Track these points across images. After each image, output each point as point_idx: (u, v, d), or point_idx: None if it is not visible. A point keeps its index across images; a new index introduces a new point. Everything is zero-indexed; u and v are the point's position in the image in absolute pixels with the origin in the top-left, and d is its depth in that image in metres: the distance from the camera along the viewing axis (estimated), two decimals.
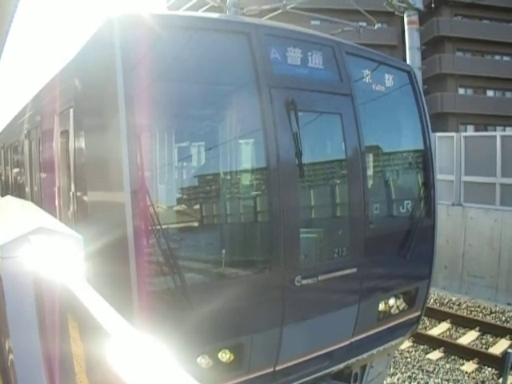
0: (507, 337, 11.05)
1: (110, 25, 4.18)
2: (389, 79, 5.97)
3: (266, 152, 4.66)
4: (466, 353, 10.35)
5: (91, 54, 4.83)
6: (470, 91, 41.79)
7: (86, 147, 4.79)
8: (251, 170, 5.23)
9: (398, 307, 6.07)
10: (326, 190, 5.74)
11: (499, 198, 14.45)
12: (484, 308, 12.98)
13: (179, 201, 4.79)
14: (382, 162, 6.35)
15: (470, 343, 11.00)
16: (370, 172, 5.85)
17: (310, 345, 5.11)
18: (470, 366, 9.86)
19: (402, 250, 5.81)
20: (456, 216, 14.92)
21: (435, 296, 13.74)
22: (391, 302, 5.97)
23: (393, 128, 6.47)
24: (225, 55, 4.74)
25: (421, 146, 6.32)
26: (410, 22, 13.67)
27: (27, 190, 8.67)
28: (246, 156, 5.27)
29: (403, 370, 9.66)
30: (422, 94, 6.40)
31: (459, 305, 13.36)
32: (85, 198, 4.83)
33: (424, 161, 6.32)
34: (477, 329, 11.61)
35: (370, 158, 5.94)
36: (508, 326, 11.79)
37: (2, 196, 11.55)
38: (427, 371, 9.64)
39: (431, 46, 37.77)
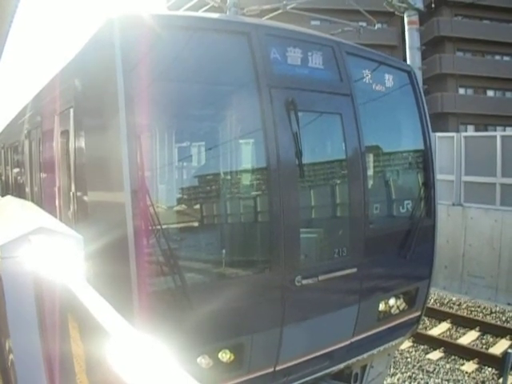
0: (507, 337, 11.05)
1: (110, 25, 4.18)
2: (389, 79, 5.97)
3: (266, 152, 4.66)
4: (467, 353, 10.35)
5: (91, 54, 4.83)
6: (470, 91, 41.79)
7: (86, 147, 4.79)
8: (251, 170, 5.23)
9: (398, 307, 6.07)
10: (326, 190, 5.74)
11: (499, 198, 14.45)
12: (484, 308, 12.98)
13: (179, 201, 4.79)
14: (382, 162, 6.35)
15: (470, 343, 11.00)
16: (370, 172, 5.85)
17: (310, 345, 5.11)
18: (470, 366, 9.86)
19: (402, 250, 5.81)
20: (456, 216, 14.92)
21: (435, 296, 13.74)
22: (391, 302, 5.97)
23: (393, 128, 6.47)
24: (225, 55, 4.74)
25: (421, 146, 6.32)
26: (410, 22, 13.66)
27: (27, 190, 8.67)
28: (246, 156, 5.27)
29: (403, 370, 9.66)
30: (422, 94, 6.40)
31: (459, 305, 13.36)
32: (85, 197, 4.83)
33: (424, 161, 6.32)
34: (477, 329, 11.61)
35: (370, 158, 5.94)
36: (508, 326, 11.79)
37: (2, 196, 11.55)
38: (427, 371, 9.64)
39: (431, 46, 37.76)
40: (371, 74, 5.76)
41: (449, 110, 38.64)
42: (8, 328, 2.62)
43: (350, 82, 5.39)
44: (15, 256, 2.59)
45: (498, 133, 18.75)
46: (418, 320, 6.47)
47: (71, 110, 5.24)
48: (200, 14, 6.19)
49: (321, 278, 4.88)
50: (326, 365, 5.33)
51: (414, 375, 9.46)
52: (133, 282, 3.87)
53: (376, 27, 15.64)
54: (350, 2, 13.10)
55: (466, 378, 9.38)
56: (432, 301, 13.26)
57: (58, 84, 6.29)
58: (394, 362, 9.76)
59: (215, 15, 5.46)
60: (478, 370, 9.74)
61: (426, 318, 11.82)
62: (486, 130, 35.59)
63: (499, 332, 11.35)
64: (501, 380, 8.77)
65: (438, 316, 12.39)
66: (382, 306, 5.84)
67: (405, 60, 12.76)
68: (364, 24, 15.51)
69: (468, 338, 11.31)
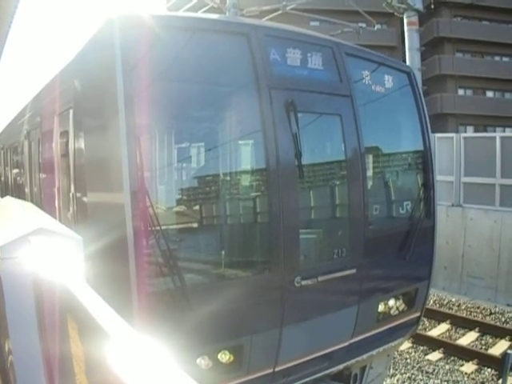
0: (507, 338, 11.05)
1: (110, 25, 4.18)
2: (388, 80, 5.97)
3: (265, 153, 4.66)
4: (466, 354, 10.35)
5: (91, 54, 4.83)
6: (469, 92, 41.82)
7: (86, 148, 4.79)
8: (251, 171, 5.23)
9: (397, 308, 6.07)
10: (326, 191, 5.74)
11: (499, 198, 14.46)
12: (484, 309, 12.98)
13: (179, 202, 4.79)
14: (381, 162, 6.36)
15: (469, 344, 11.00)
16: (369, 173, 5.86)
17: (310, 346, 5.11)
18: (469, 367, 9.86)
19: (401, 250, 5.81)
20: (456, 217, 14.93)
21: (435, 297, 13.74)
22: (391, 302, 5.97)
23: (392, 129, 6.47)
24: (224, 56, 4.74)
25: (420, 147, 6.32)
26: (409, 23, 13.68)
27: (27, 190, 8.67)
28: (246, 157, 5.27)
29: (403, 371, 9.65)
30: (422, 95, 6.40)
31: (459, 306, 13.36)
32: (84, 198, 4.83)
33: (424, 162, 6.32)
34: (476, 330, 11.61)
35: (370, 159, 5.94)
36: (508, 326, 11.79)
37: (2, 197, 11.54)
38: (427, 372, 9.64)
39: (431, 46, 37.73)
40: (371, 74, 5.77)
41: (448, 111, 38.67)
42: (8, 329, 2.62)
43: (349, 82, 5.39)
44: (15, 257, 2.59)
45: (498, 134, 18.81)
46: (417, 321, 6.47)
47: (71, 111, 5.24)
48: (200, 14, 6.19)
49: (320, 278, 4.88)
50: (326, 366, 5.33)
51: (413, 376, 9.46)
52: (132, 283, 3.87)
53: (375, 28, 15.67)
54: (350, 3, 13.15)
55: (466, 378, 9.38)
56: (431, 302, 13.26)
57: (58, 84, 6.29)
58: (394, 363, 9.76)
59: (215, 16, 5.46)
60: (478, 370, 9.74)
61: (425, 319, 11.82)
62: (486, 131, 35.58)
63: (499, 333, 11.35)
64: (500, 381, 8.77)
65: (438, 317, 12.39)
66: (381, 307, 5.84)
67: (404, 61, 12.78)
68: (363, 25, 15.51)
69: (467, 338, 11.31)
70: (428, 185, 6.23)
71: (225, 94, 4.84)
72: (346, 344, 5.44)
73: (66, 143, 5.42)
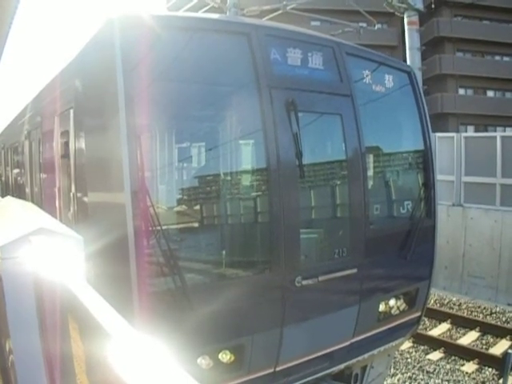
0: (507, 337, 11.04)
1: (110, 25, 4.18)
2: (389, 80, 5.97)
3: (266, 153, 4.66)
4: (467, 353, 10.34)
5: (91, 54, 4.83)
6: (470, 92, 41.81)
7: (87, 148, 4.79)
8: (251, 171, 5.23)
9: (398, 308, 6.07)
10: (327, 191, 5.74)
11: (499, 198, 14.45)
12: (484, 308, 12.98)
13: (179, 201, 4.79)
14: (382, 162, 6.36)
15: (470, 344, 10.99)
16: (370, 173, 5.85)
17: (311, 345, 5.11)
18: (470, 367, 9.85)
19: (402, 250, 5.81)
20: (456, 216, 14.92)
21: (435, 296, 13.74)
22: (391, 302, 5.97)
23: (393, 129, 6.47)
24: (225, 56, 4.74)
25: (421, 147, 6.32)
26: (410, 23, 13.68)
27: (27, 190, 8.67)
28: (247, 157, 5.27)
29: (404, 371, 9.65)
30: (422, 95, 6.40)
31: (459, 305, 13.36)
32: (85, 198, 4.83)
33: (424, 161, 6.32)
34: (477, 329, 11.60)
35: (371, 158, 5.94)
36: (508, 326, 11.78)
37: (3, 197, 11.55)
38: (428, 372, 9.63)
39: (431, 46, 37.76)
40: (371, 74, 5.76)
41: (449, 111, 38.65)
42: (8, 329, 2.62)
43: (350, 82, 5.39)
44: (15, 257, 2.59)
45: (498, 133, 18.76)
46: (418, 320, 6.47)
47: (71, 111, 5.24)
48: (200, 14, 6.19)
49: (321, 278, 4.88)
50: (327, 365, 5.33)
51: (414, 376, 9.45)
52: (133, 283, 3.87)
53: (376, 28, 15.70)
54: (350, 3, 13.14)
55: (467, 378, 9.38)
56: (432, 301, 13.25)
57: (58, 84, 6.29)
58: (395, 363, 9.76)
59: (215, 16, 5.46)
60: (479, 370, 9.73)
61: (426, 319, 11.81)
62: (486, 131, 35.60)
63: (499, 332, 11.34)
64: (501, 380, 8.77)
65: (438, 316, 12.38)
66: (382, 307, 5.84)
67: (405, 60, 12.76)
68: (364, 24, 15.54)
69: (468, 338, 11.31)
70: (428, 184, 6.23)
71: (225, 94, 4.84)
72: (347, 344, 5.44)
73: (67, 143, 5.42)
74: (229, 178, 5.12)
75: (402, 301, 6.10)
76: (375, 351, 5.84)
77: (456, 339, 11.29)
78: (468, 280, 14.49)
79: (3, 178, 13.41)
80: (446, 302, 13.61)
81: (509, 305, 13.16)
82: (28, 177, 8.63)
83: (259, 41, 4.73)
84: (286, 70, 4.94)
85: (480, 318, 12.45)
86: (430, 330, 11.80)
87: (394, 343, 6.17)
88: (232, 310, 4.39)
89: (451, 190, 15.35)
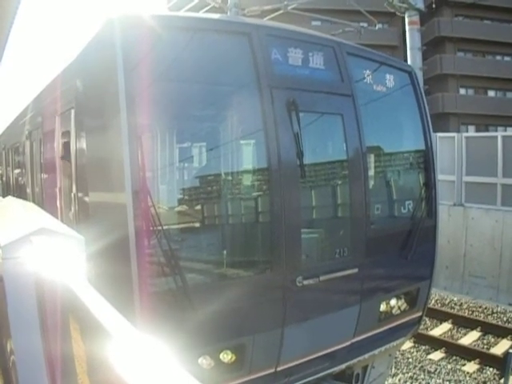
0: (509, 337, 11.04)
1: (110, 25, 4.18)
2: (390, 80, 5.97)
3: (267, 153, 4.66)
4: (468, 353, 10.34)
5: (92, 54, 4.83)
6: (471, 91, 41.78)
7: (88, 148, 4.79)
8: (252, 171, 5.24)
9: (399, 308, 6.06)
10: (328, 191, 5.74)
11: (500, 198, 14.44)
12: (485, 308, 12.97)
13: (181, 201, 4.79)
14: (383, 162, 6.35)
15: (471, 344, 10.99)
16: (371, 172, 5.85)
17: (312, 345, 5.11)
18: (471, 367, 9.85)
19: (403, 250, 5.80)
20: (457, 216, 14.91)
21: (436, 296, 13.73)
22: (392, 302, 5.97)
23: (394, 128, 6.46)
24: (226, 56, 4.74)
25: (422, 147, 6.32)
26: (410, 23, 13.66)
27: (28, 190, 8.68)
28: (248, 157, 5.27)
29: (405, 371, 9.65)
30: (423, 95, 6.39)
31: (460, 305, 13.35)
32: (86, 198, 4.83)
33: (425, 161, 6.31)
34: (478, 329, 11.59)
35: (372, 158, 5.94)
36: (509, 326, 11.78)
37: (4, 197, 11.55)
38: (429, 372, 9.63)
39: (432, 46, 37.79)
40: (372, 74, 5.76)
41: (450, 111, 38.63)
42: (10, 329, 2.62)
43: (350, 82, 5.39)
44: (17, 257, 2.59)
45: (499, 133, 18.71)
46: (419, 320, 6.47)
47: (72, 111, 5.24)
48: (201, 14, 6.19)
49: (322, 278, 4.87)
50: (328, 365, 5.33)
51: (415, 375, 9.45)
52: (134, 283, 3.87)
53: (377, 27, 15.67)
54: (351, 3, 13.13)
55: (468, 378, 9.37)
56: (433, 301, 13.25)
57: (59, 85, 6.29)
58: (396, 363, 9.76)
59: (216, 16, 5.46)
60: (480, 370, 9.73)
61: (427, 319, 11.81)
62: (487, 131, 35.57)
63: (500, 332, 11.33)
64: (502, 380, 8.76)
65: (439, 316, 12.38)
66: (383, 307, 5.83)
67: (405, 60, 12.75)
68: (365, 24, 15.54)
69: (469, 338, 11.30)
70: (430, 184, 6.22)
71: (226, 94, 4.84)
72: (348, 343, 5.44)
73: (68, 143, 5.42)
74: (230, 177, 5.12)
75: (402, 301, 6.10)
76: (376, 351, 5.84)
77: (457, 339, 11.28)
78: (469, 280, 14.48)
79: (4, 178, 13.42)
80: (447, 301, 13.60)
81: (510, 305, 13.15)
82: (29, 177, 8.64)
83: (260, 41, 4.73)
84: (286, 70, 4.94)
85: (481, 317, 12.44)
86: (431, 329, 11.80)
87: (395, 343, 6.17)
88: (233, 310, 4.39)
89: (452, 190, 15.34)
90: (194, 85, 4.57)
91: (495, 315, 12.56)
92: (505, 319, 12.29)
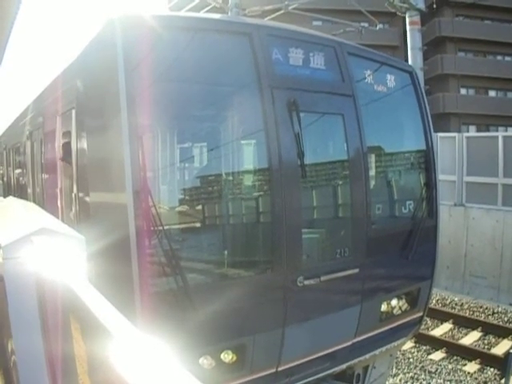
0: (510, 337, 11.03)
1: (111, 25, 4.18)
2: (391, 80, 5.97)
3: (268, 153, 4.66)
4: (469, 353, 10.33)
5: (93, 54, 4.83)
6: (471, 91, 41.78)
7: (88, 148, 4.79)
8: (253, 171, 5.24)
9: (400, 308, 6.06)
10: (329, 191, 5.74)
11: (501, 198, 14.42)
12: (486, 308, 12.96)
13: (181, 201, 4.79)
14: (384, 162, 6.35)
15: (472, 344, 10.98)
16: (372, 172, 5.85)
17: (313, 345, 5.11)
18: (472, 367, 9.84)
19: (404, 250, 5.80)
20: (458, 216, 14.90)
21: (437, 296, 13.72)
22: (393, 302, 5.96)
23: (395, 128, 6.46)
24: (227, 56, 4.74)
25: (423, 147, 6.31)
26: (411, 23, 13.66)
27: (29, 190, 8.68)
28: (248, 157, 5.28)
29: (405, 371, 9.65)
30: (424, 95, 6.39)
31: (461, 305, 13.34)
32: (87, 198, 4.83)
33: (426, 161, 6.31)
34: (479, 329, 11.58)
35: (372, 158, 5.94)
36: (510, 326, 11.76)
37: (5, 197, 11.56)
38: (430, 372, 9.62)
39: (433, 46, 37.78)
40: (373, 74, 5.76)
41: (450, 111, 38.63)
42: (10, 329, 2.62)
43: (351, 82, 5.38)
44: (17, 257, 2.59)
45: (500, 133, 18.71)
46: (420, 320, 6.46)
47: (73, 111, 5.24)
48: (201, 14, 6.19)
49: (323, 278, 4.87)
50: (328, 365, 5.32)
51: (416, 376, 9.45)
52: (135, 283, 3.87)
53: (378, 28, 15.62)
54: (352, 3, 13.13)
55: (469, 378, 9.37)
56: (434, 301, 13.23)
57: (60, 85, 6.29)
58: (396, 363, 9.75)
59: (217, 16, 5.46)
60: (481, 370, 9.73)
61: (428, 319, 11.81)
62: (488, 131, 35.55)
63: (501, 332, 11.32)
64: (503, 380, 8.75)
65: (440, 316, 12.37)
66: (384, 307, 5.83)
67: (406, 60, 12.75)
68: (366, 24, 15.53)
69: (470, 338, 11.29)
70: (430, 184, 6.22)
71: (227, 94, 4.84)
72: (349, 344, 5.44)
73: (69, 143, 5.42)
74: (231, 178, 5.12)
75: (403, 301, 6.10)
76: (377, 351, 5.83)
77: (458, 339, 11.28)
78: (470, 280, 14.46)
79: (5, 179, 13.43)
80: (447, 301, 13.59)
81: (511, 305, 13.13)
82: (30, 177, 8.64)
83: (261, 41, 4.73)
84: (287, 70, 4.94)
85: (482, 317, 12.43)
86: (431, 329, 11.79)
87: (395, 343, 6.17)
88: (234, 310, 4.39)
89: (453, 190, 15.33)
90: (194, 85, 4.57)
91: (496, 315, 12.55)
92: (506, 319, 12.27)
